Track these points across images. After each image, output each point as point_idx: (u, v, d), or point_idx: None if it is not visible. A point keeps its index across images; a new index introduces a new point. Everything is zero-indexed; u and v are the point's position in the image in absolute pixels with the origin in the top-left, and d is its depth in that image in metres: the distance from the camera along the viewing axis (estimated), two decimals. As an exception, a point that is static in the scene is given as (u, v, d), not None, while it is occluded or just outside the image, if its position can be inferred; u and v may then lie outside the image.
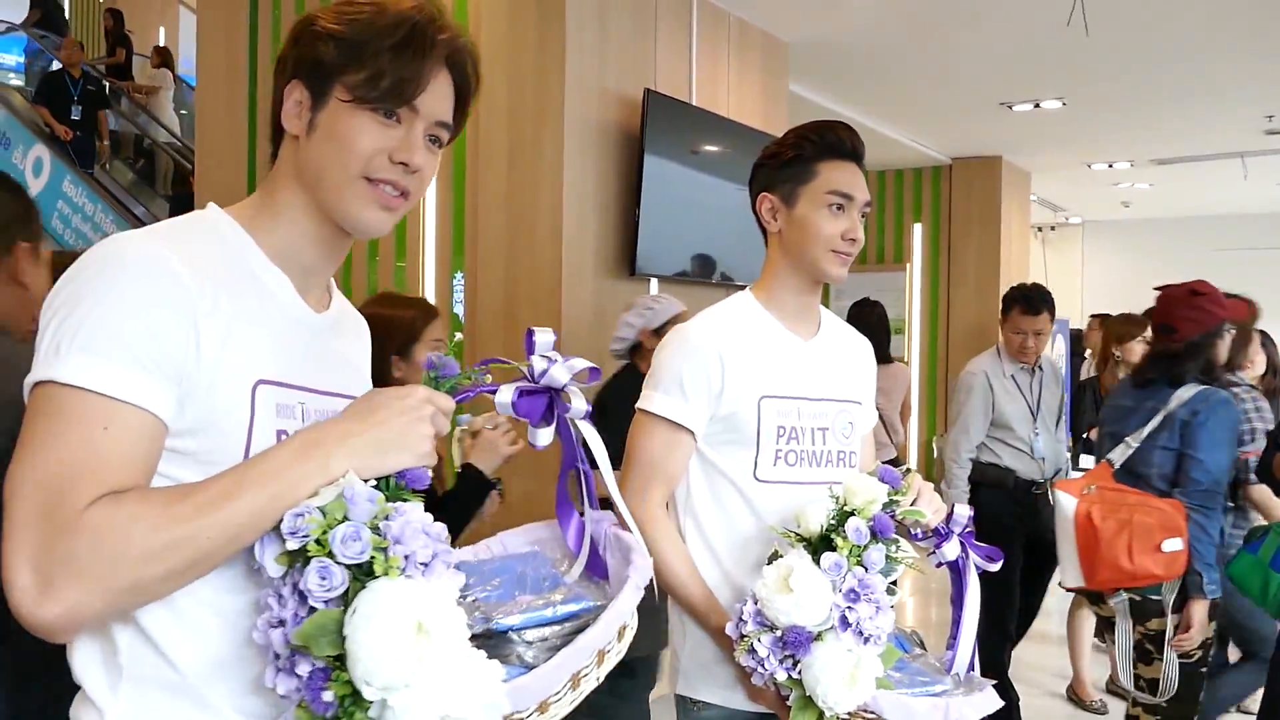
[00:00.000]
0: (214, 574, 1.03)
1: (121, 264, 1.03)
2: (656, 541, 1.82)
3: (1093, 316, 8.23)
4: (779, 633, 1.59)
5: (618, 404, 2.49)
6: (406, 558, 0.99)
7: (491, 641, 1.15)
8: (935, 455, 8.22)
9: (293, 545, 0.99)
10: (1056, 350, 10.08)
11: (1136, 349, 4.80)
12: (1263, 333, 3.98)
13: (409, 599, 0.97)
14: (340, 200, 1.15)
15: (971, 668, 1.79)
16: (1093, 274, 12.49)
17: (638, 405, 1.89)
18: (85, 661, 1.06)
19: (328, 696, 0.96)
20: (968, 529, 1.78)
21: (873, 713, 1.60)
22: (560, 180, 3.91)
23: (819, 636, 1.58)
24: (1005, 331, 4.26)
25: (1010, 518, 4.04)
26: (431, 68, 1.15)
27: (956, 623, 1.78)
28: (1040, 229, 12.16)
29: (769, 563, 1.68)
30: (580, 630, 1.20)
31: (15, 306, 1.96)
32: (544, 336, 1.25)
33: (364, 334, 1.37)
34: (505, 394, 1.23)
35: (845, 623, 1.59)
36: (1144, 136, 7.83)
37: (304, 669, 0.98)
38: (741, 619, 1.64)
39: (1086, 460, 4.58)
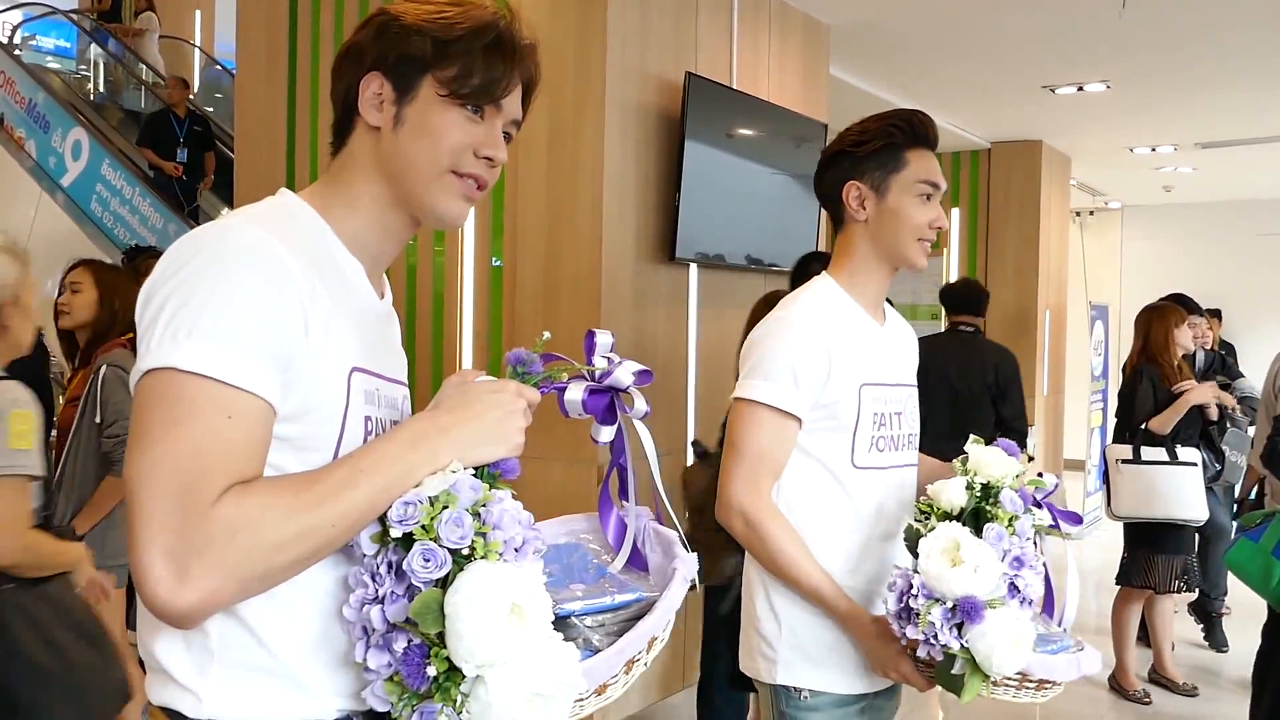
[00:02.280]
0: None
1: (232, 251, 1.05)
2: (775, 535, 1.87)
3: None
4: (949, 604, 1.62)
5: None
6: (504, 542, 1.04)
7: (555, 626, 1.19)
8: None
9: (399, 533, 1.03)
10: (1095, 336, 9.98)
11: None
12: None
13: (507, 581, 1.02)
14: (428, 193, 1.18)
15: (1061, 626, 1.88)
16: (1131, 259, 12.32)
17: (740, 394, 1.91)
18: (170, 647, 1.08)
19: (430, 671, 1.01)
20: (1049, 495, 1.82)
21: (1022, 672, 1.67)
22: (600, 164, 3.88)
23: (990, 604, 1.61)
24: None
25: None
26: (516, 72, 1.20)
27: (1049, 585, 1.84)
28: (1079, 214, 12.00)
29: (907, 538, 1.73)
30: (634, 619, 1.26)
31: None
32: (604, 338, 1.32)
33: (397, 321, 1.41)
34: (575, 392, 1.29)
35: (1014, 589, 1.65)
36: (1188, 120, 7.69)
37: (400, 645, 1.02)
38: (910, 593, 1.66)
39: (1148, 451, 4.51)
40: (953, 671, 1.65)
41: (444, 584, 1.02)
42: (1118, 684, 4.76)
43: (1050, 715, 4.48)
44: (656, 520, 1.45)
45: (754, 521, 1.87)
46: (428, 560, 1.01)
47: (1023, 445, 3.95)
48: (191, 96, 10.12)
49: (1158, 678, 4.88)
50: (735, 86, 4.56)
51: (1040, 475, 1.79)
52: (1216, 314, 8.70)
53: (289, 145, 4.80)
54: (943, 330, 5.44)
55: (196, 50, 11.31)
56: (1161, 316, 4.76)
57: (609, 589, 1.28)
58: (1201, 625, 5.55)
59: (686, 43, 4.32)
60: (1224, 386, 4.81)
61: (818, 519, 1.91)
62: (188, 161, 8.50)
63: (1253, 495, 4.76)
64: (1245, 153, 8.71)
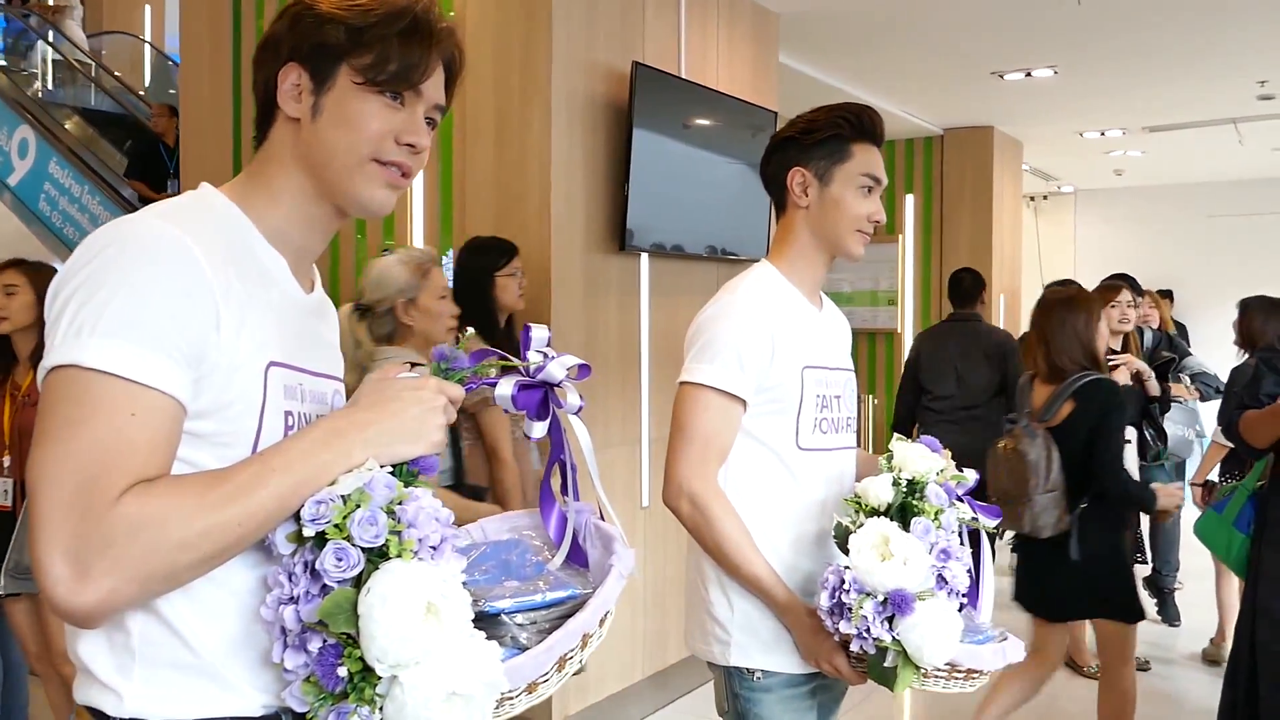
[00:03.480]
0: None
1: (139, 246, 1.03)
2: (721, 519, 1.90)
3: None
4: (881, 598, 1.65)
5: None
6: (420, 541, 1.03)
7: (483, 623, 1.19)
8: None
9: (311, 531, 1.02)
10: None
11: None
12: None
13: (421, 580, 1.01)
14: (350, 182, 1.17)
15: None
16: (1084, 242, 12.46)
17: (686, 378, 1.94)
18: (92, 647, 1.07)
19: (342, 672, 1.00)
20: (970, 490, 1.87)
21: (951, 663, 1.70)
22: (548, 155, 3.87)
23: (919, 597, 1.65)
24: None
25: None
26: (435, 55, 1.19)
27: (976, 579, 1.87)
28: (1032, 198, 12.13)
29: (836, 536, 1.77)
30: (566, 616, 1.26)
31: None
32: (539, 332, 1.32)
33: (334, 314, 1.39)
34: (506, 387, 1.28)
35: (942, 581, 1.69)
36: (1136, 104, 7.78)
37: (315, 645, 1.01)
38: (842, 589, 1.70)
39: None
40: (885, 665, 1.68)
41: (359, 583, 1.01)
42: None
43: (1005, 693, 4.54)
44: (599, 516, 1.45)
45: (701, 505, 1.89)
46: (340, 560, 1.00)
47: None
48: (142, 93, 10.00)
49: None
50: (684, 76, 4.56)
51: (960, 470, 1.83)
52: (1168, 295, 8.83)
53: (235, 138, 4.75)
54: (943, 320, 5.71)
55: (147, 45, 11.15)
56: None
57: (542, 586, 1.29)
58: (1155, 600, 5.64)
59: (634, 32, 4.32)
60: (1168, 364, 4.88)
61: (763, 501, 1.94)
62: (180, 192, 8.26)
63: (1215, 476, 4.83)
64: (1192, 136, 8.83)
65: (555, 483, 1.42)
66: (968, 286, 5.56)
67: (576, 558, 1.40)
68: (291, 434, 1.11)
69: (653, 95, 4.20)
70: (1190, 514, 4.09)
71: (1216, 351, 6.73)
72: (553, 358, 1.30)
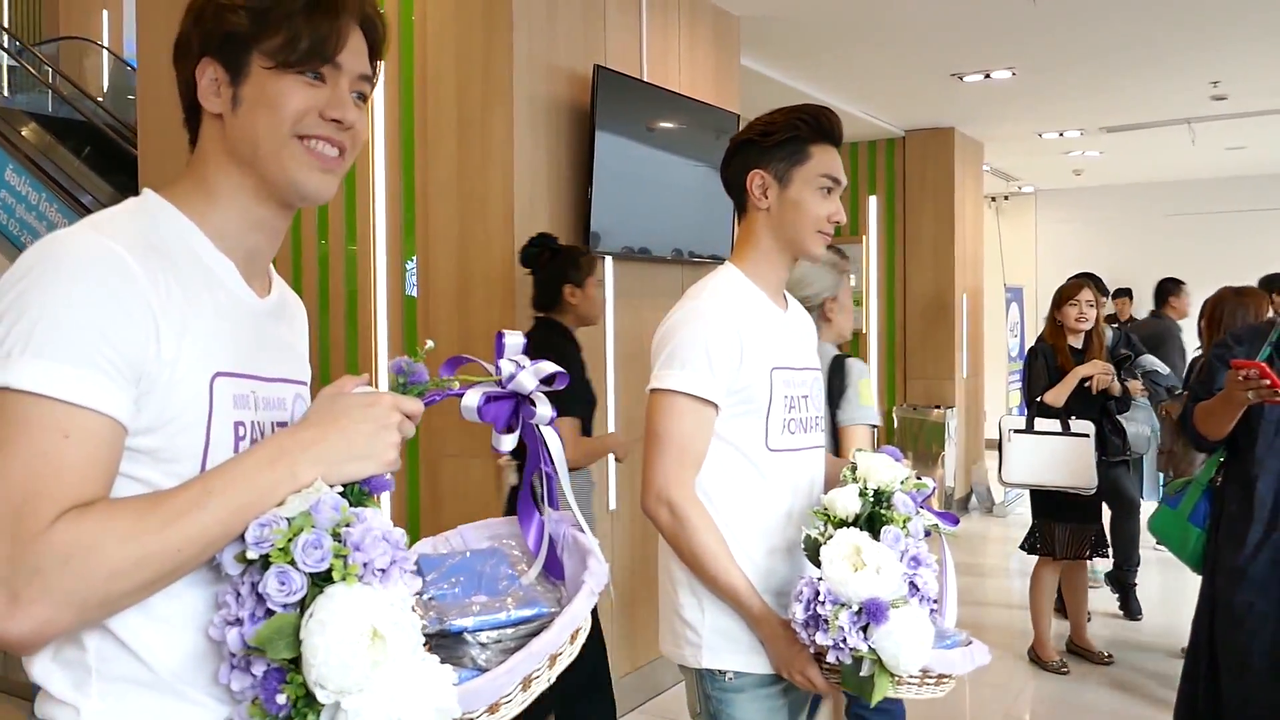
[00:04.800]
0: None
1: (70, 262, 1.00)
2: (699, 528, 1.90)
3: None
4: (855, 608, 1.66)
5: None
6: (365, 565, 1.00)
7: (446, 642, 1.16)
8: (895, 425, 8.29)
9: (254, 554, 0.98)
10: (1011, 318, 10.19)
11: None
12: None
13: (365, 605, 0.97)
14: (280, 167, 1.14)
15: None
16: (1045, 242, 12.61)
17: (657, 385, 1.94)
18: (47, 666, 1.05)
19: (281, 699, 0.97)
20: (929, 497, 1.88)
21: (924, 669, 1.71)
22: (511, 159, 3.87)
23: (893, 604, 1.66)
24: None
25: None
26: (346, 24, 1.14)
27: (941, 585, 1.88)
28: (994, 199, 12.26)
29: (807, 548, 1.77)
30: (534, 633, 1.21)
31: None
32: (513, 339, 1.24)
33: (300, 315, 1.35)
34: (471, 399, 1.22)
35: (914, 588, 1.70)
36: (1093, 105, 7.89)
37: (259, 669, 0.99)
38: (816, 600, 1.70)
39: (1042, 423, 4.65)
40: (861, 674, 1.68)
41: (304, 607, 0.98)
42: (1036, 656, 4.88)
43: (971, 688, 4.59)
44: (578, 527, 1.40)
45: (680, 514, 1.89)
46: (283, 584, 0.97)
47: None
48: (100, 99, 9.88)
49: (1075, 648, 5.01)
50: (646, 79, 4.58)
51: (919, 479, 1.84)
52: (1128, 293, 8.96)
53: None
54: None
55: (105, 52, 11.02)
56: (1056, 297, 4.92)
57: (510, 604, 1.24)
58: (1118, 595, 5.71)
59: (595, 35, 4.32)
60: (1125, 360, 4.95)
61: (735, 503, 1.95)
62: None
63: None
64: (1148, 136, 8.97)
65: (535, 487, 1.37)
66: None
67: (553, 569, 1.36)
68: (238, 454, 1.07)
69: (615, 98, 4.21)
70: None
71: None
72: (523, 367, 1.24)
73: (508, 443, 1.26)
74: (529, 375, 1.23)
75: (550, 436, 1.30)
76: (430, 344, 1.22)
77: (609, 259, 4.35)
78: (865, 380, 3.05)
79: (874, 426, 3.07)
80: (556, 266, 3.49)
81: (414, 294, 4.09)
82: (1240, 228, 11.18)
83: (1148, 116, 8.28)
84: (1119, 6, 5.49)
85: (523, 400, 1.25)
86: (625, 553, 4.40)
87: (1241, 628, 2.86)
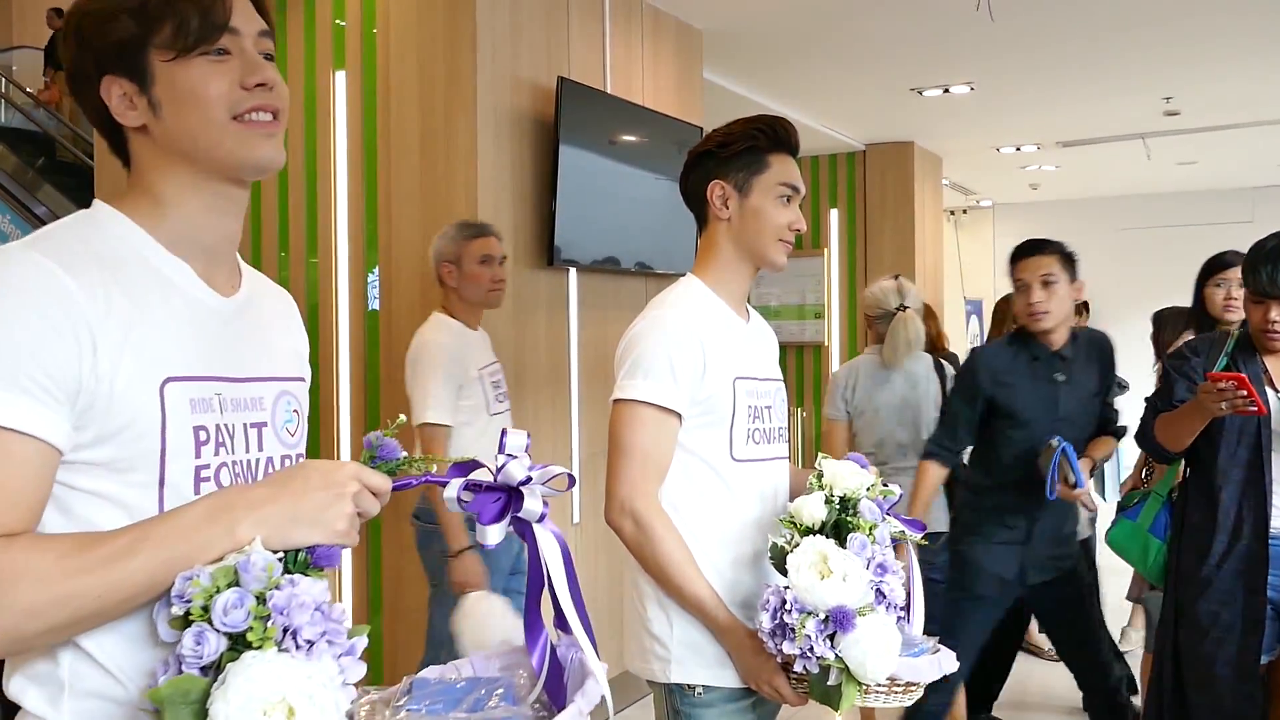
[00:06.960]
0: None
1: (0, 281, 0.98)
2: (663, 539, 1.89)
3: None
4: (822, 616, 1.65)
5: None
6: (286, 630, 0.94)
7: None
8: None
9: (177, 610, 0.94)
10: (971, 330, 10.28)
11: None
12: None
13: (280, 675, 0.91)
14: (227, 152, 1.12)
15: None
16: (1004, 255, 12.70)
17: (620, 395, 1.92)
18: (22, 680, 1.03)
19: None
20: (895, 504, 1.88)
21: (891, 677, 1.70)
22: (474, 171, 3.85)
23: (860, 612, 1.65)
24: None
25: None
26: None
27: (908, 593, 1.88)
28: (953, 212, 12.39)
29: (773, 557, 1.76)
30: None
31: None
32: (516, 439, 1.17)
33: (287, 310, 1.32)
34: (452, 489, 1.15)
35: (881, 595, 1.70)
36: (1050, 119, 8.01)
37: None
38: (783, 609, 1.69)
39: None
40: (828, 683, 1.68)
41: (220, 670, 0.93)
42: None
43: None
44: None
45: (644, 524, 1.88)
46: (199, 644, 0.92)
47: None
48: (54, 108, 9.73)
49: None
50: (609, 91, 4.58)
51: (885, 485, 1.85)
52: (1084, 306, 9.06)
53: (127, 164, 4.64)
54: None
55: (58, 61, 10.88)
56: (1001, 307, 4.97)
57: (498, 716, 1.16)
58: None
59: (559, 47, 4.32)
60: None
61: (700, 514, 1.94)
62: None
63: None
64: (1103, 151, 9.11)
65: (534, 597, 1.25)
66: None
67: (556, 697, 1.24)
68: (181, 505, 1.03)
69: (579, 110, 4.21)
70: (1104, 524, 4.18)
71: (1134, 359, 6.92)
72: (509, 459, 1.16)
73: (493, 535, 1.17)
74: (518, 466, 1.15)
75: (546, 538, 1.20)
76: (402, 418, 1.18)
77: (573, 271, 4.35)
78: None
79: None
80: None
81: (376, 306, 4.06)
82: (1193, 242, 11.36)
83: (1103, 131, 8.42)
84: (1074, 24, 5.58)
85: (515, 494, 1.17)
86: (589, 566, 4.38)
87: (1207, 637, 2.88)
